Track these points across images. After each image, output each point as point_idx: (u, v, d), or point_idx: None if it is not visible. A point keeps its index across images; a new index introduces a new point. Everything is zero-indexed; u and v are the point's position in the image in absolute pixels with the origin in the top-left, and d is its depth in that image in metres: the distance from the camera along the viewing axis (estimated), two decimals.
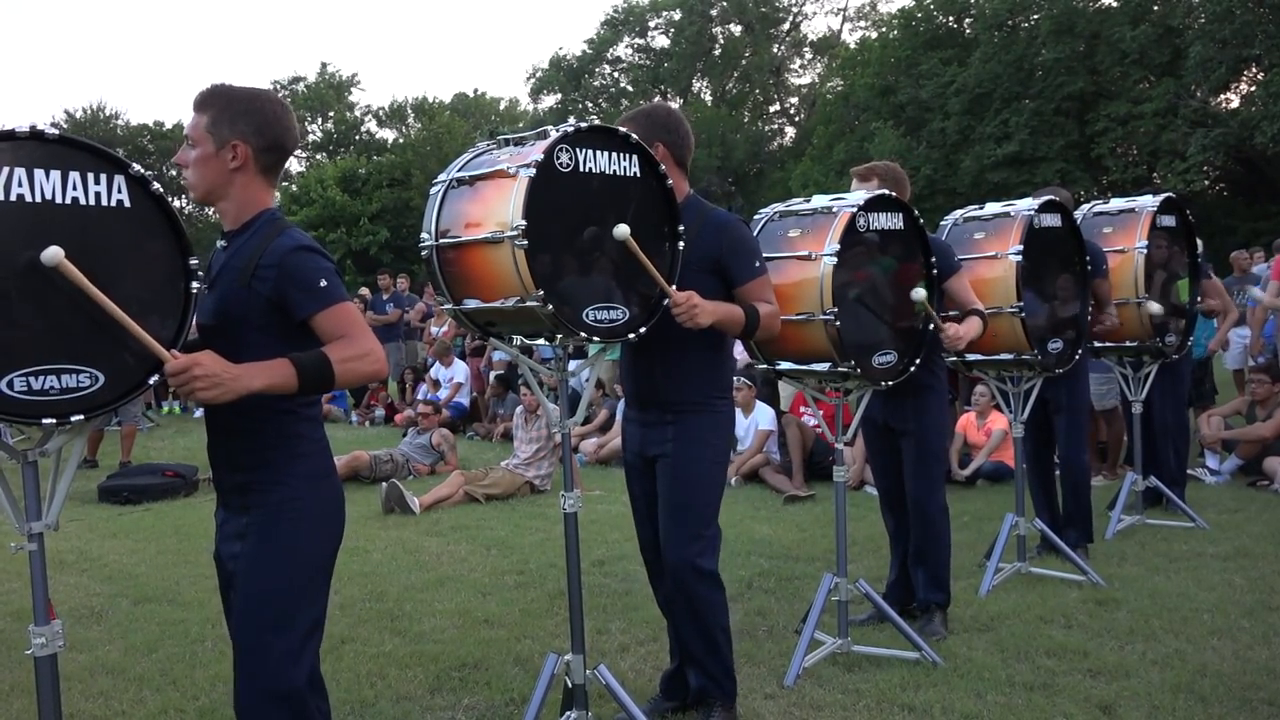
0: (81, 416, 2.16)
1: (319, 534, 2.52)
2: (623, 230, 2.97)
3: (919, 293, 3.92)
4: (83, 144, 2.19)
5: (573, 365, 3.38)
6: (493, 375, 12.17)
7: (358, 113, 47.35)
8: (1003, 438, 8.04)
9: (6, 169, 2.07)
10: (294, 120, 2.61)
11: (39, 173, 2.11)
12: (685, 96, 41.34)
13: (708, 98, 42.00)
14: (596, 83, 42.72)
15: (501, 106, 50.87)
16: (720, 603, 3.46)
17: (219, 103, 2.51)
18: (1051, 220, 4.97)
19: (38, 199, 2.11)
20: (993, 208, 5.02)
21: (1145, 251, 5.72)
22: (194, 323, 2.39)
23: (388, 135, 46.72)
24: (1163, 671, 3.90)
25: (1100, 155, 24.58)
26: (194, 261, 2.31)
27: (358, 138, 46.28)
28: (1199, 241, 6.22)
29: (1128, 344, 5.97)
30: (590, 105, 41.92)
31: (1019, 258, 4.67)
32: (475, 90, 51.90)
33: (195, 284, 2.31)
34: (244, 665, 2.47)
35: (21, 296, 2.07)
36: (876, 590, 4.44)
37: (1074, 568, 5.18)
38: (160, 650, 4.58)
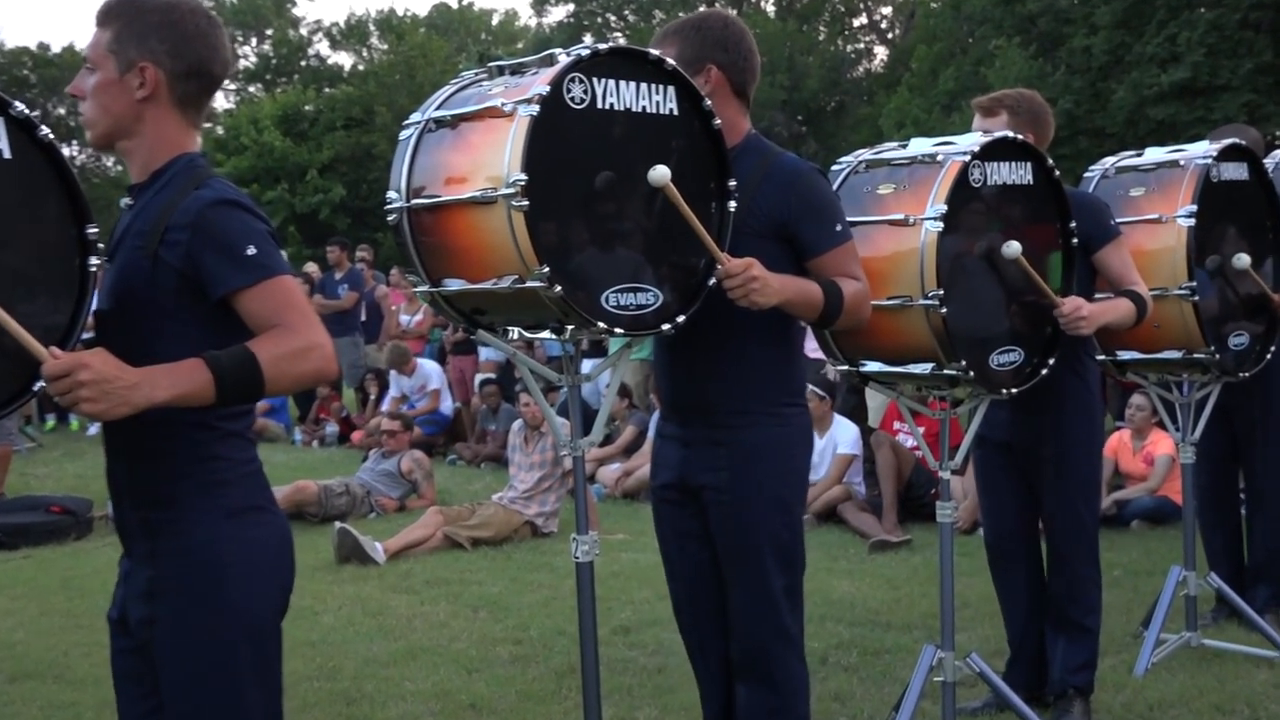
0: None
1: (252, 587, 2.54)
2: (661, 173, 2.99)
3: (1012, 246, 3.87)
4: None
5: (587, 366, 3.41)
6: (479, 379, 12.22)
7: (304, 31, 47.72)
8: (1169, 466, 7.98)
9: None
10: (225, 39, 2.66)
11: None
12: (740, 6, 41.31)
13: (770, 8, 41.97)
14: None
15: (494, 21, 51.11)
16: (803, 678, 3.52)
17: (126, 14, 2.54)
18: (1236, 172, 4.93)
19: None
20: (1155, 155, 4.99)
21: None
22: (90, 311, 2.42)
23: (344, 60, 47.10)
24: None
25: None
26: (93, 230, 2.35)
27: (304, 64, 46.62)
28: None
29: None
30: (613, 19, 41.98)
31: (1191, 221, 4.65)
32: (460, 0, 52.14)
33: (95, 259, 2.34)
34: None
35: None
36: (995, 668, 4.42)
37: (1263, 640, 5.15)
38: None
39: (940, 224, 3.72)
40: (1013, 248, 3.84)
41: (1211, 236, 4.83)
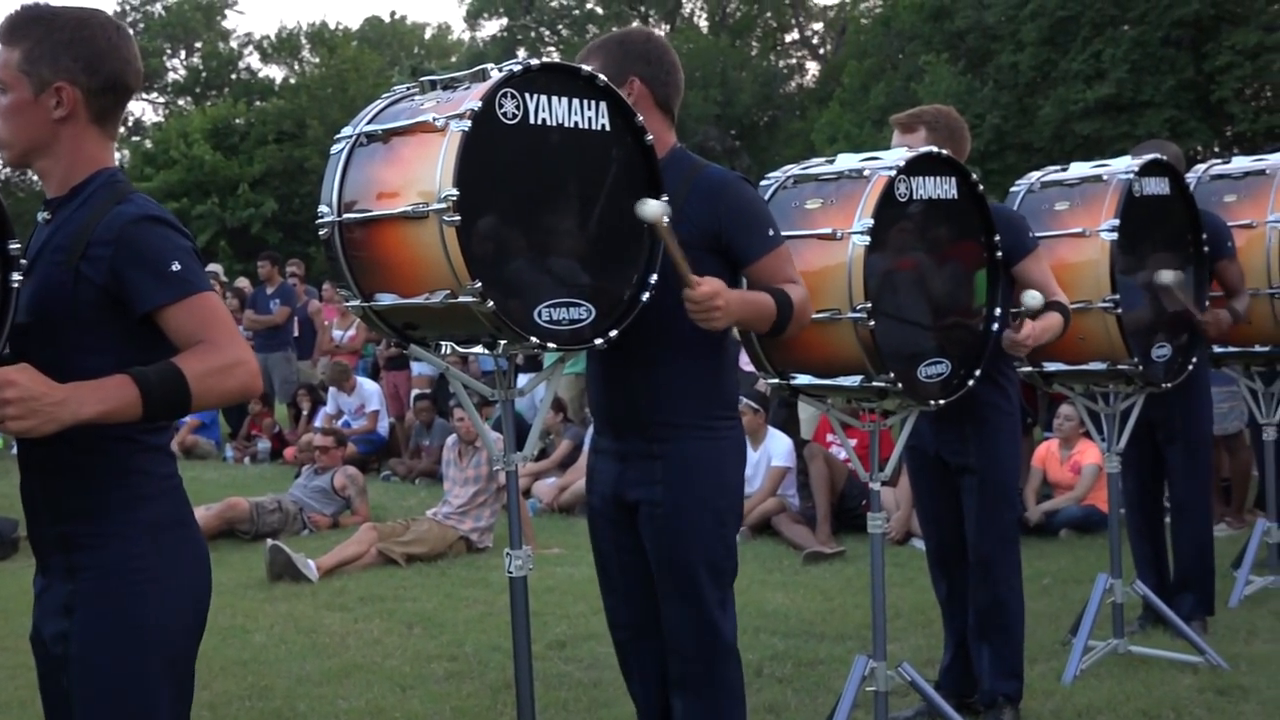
0: None
1: (171, 604, 2.53)
2: (656, 208, 2.97)
3: (1033, 296, 3.96)
4: None
5: (522, 381, 3.40)
6: (414, 394, 12.15)
7: (234, 44, 47.26)
8: (1095, 475, 8.11)
9: None
10: (135, 50, 2.63)
11: None
12: (673, 21, 41.48)
13: (703, 23, 42.17)
14: (554, 3, 42.78)
15: (428, 35, 50.87)
16: (740, 687, 3.54)
17: (36, 33, 2.51)
18: (1158, 186, 5.03)
19: None
20: (1079, 169, 5.09)
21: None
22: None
23: (275, 73, 46.67)
24: None
25: (1223, 99, 24.76)
26: (15, 245, 2.32)
27: (234, 77, 46.15)
28: None
29: (1257, 349, 6.02)
30: (547, 33, 41.98)
31: (1114, 235, 4.74)
32: (393, 14, 51.97)
33: (16, 275, 2.32)
34: None
35: None
36: (927, 677, 4.48)
37: (1187, 646, 5.24)
38: None
39: (867, 238, 3.76)
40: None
41: (1134, 250, 4.92)
